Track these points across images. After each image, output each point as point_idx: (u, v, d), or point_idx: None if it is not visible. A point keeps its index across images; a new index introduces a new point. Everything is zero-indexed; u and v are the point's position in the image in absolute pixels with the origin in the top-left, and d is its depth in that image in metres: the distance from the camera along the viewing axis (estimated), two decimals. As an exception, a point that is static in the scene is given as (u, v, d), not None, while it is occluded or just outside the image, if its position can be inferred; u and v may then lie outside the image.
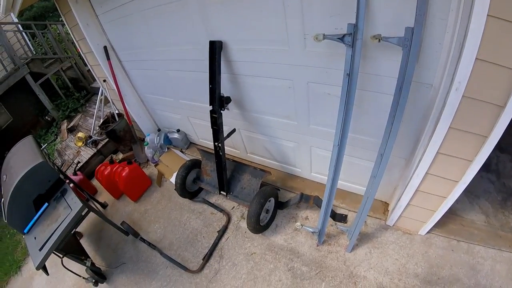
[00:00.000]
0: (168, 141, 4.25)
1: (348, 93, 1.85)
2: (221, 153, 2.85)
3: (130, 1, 2.75)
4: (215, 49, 2.42)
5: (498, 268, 2.45)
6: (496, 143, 1.75)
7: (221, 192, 3.06)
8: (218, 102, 2.60)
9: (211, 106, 2.64)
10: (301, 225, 2.69)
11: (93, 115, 5.42)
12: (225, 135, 2.86)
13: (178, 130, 4.10)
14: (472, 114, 1.68)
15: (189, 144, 4.29)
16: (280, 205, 2.97)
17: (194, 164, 3.32)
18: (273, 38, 2.15)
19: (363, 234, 2.73)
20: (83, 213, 2.68)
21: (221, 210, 3.17)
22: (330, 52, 1.97)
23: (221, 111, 2.67)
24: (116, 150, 4.92)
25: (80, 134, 5.53)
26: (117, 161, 4.38)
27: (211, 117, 2.70)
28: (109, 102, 4.51)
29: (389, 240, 2.71)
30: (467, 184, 2.04)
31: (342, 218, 2.85)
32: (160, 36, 2.86)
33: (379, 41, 1.65)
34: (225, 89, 2.75)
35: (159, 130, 4.30)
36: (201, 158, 3.33)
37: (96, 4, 3.13)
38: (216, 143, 2.82)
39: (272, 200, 2.83)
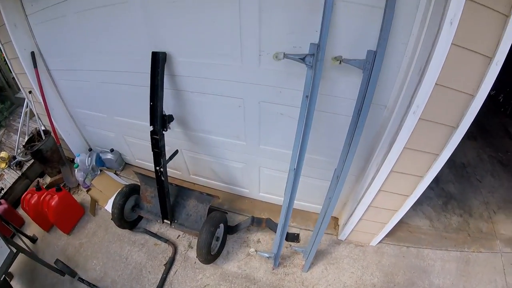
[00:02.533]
0: (100, 163, 3.61)
1: (306, 116, 1.65)
2: (163, 178, 2.41)
3: (61, 1, 2.21)
4: (159, 61, 2.03)
5: (448, 267, 2.52)
6: (446, 159, 1.73)
7: (165, 220, 2.62)
8: (160, 121, 2.20)
9: (151, 126, 2.23)
10: (255, 250, 2.43)
11: (18, 131, 4.46)
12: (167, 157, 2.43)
13: (112, 150, 3.51)
14: (426, 135, 1.65)
15: (124, 165, 3.71)
16: (230, 229, 2.67)
17: (132, 190, 2.82)
18: (225, 52, 1.86)
19: (317, 251, 2.55)
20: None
21: (166, 240, 2.73)
22: (286, 71, 1.77)
23: (163, 132, 2.25)
24: (43, 172, 4.11)
25: (3, 154, 4.48)
26: (45, 186, 3.64)
27: (152, 138, 2.28)
28: (35, 116, 3.72)
29: (343, 255, 2.60)
30: (417, 198, 2.02)
31: (294, 238, 2.65)
32: (96, 43, 2.35)
33: (340, 63, 1.52)
34: (167, 106, 2.38)
35: (90, 149, 3.62)
36: (140, 183, 2.83)
37: (27, 1, 2.47)
38: (157, 168, 2.38)
39: (222, 226, 2.50)
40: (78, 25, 2.30)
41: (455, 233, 2.71)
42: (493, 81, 1.37)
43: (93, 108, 3.12)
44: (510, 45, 1.27)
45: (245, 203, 2.94)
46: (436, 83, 1.39)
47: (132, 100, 2.59)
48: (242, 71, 1.88)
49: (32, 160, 3.99)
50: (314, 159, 2.19)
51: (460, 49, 1.31)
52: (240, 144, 2.38)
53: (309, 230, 2.72)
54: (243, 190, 2.91)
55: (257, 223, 2.57)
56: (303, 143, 1.72)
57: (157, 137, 2.24)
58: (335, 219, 2.76)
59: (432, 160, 1.76)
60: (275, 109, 2.00)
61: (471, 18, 1.23)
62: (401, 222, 2.63)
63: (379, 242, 2.59)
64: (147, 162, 3.39)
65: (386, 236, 2.51)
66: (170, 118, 2.30)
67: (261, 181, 2.67)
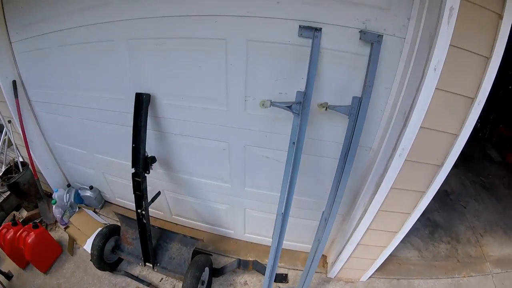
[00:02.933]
0: (79, 199, 3.41)
1: (294, 162, 1.60)
2: (145, 221, 2.27)
3: (51, 32, 2.10)
4: (142, 103, 1.95)
5: None
6: (433, 196, 1.71)
7: (147, 263, 2.45)
8: (143, 164, 2.09)
9: (133, 169, 2.11)
10: None
11: (-5, 158, 4.18)
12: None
13: (91, 187, 3.32)
14: (412, 175, 1.63)
15: (104, 203, 3.51)
16: (216, 272, 2.52)
17: (112, 231, 2.64)
18: (210, 97, 1.82)
19: (307, 291, 2.41)
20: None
21: (148, 283, 2.53)
22: (272, 116, 1.75)
23: (146, 175, 2.14)
24: (19, 205, 3.84)
25: None
26: (21, 220, 3.40)
27: (134, 181, 2.16)
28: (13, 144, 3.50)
29: (333, 293, 2.44)
30: (405, 233, 1.99)
31: (282, 278, 2.53)
32: (79, 79, 2.25)
33: (326, 109, 1.52)
34: (150, 147, 2.27)
35: (68, 185, 3.42)
36: (120, 224, 2.67)
37: (12, 28, 2.35)
38: (139, 210, 2.24)
39: (207, 270, 2.35)
40: (62, 59, 2.21)
41: (445, 261, 2.67)
42: (476, 119, 1.38)
43: (73, 144, 2.98)
44: (491, 84, 1.28)
45: (230, 244, 2.79)
46: (421, 126, 1.38)
47: (113, 138, 2.47)
48: (228, 116, 1.83)
49: (9, 192, 3.74)
50: (301, 200, 2.13)
51: (444, 93, 1.31)
52: (224, 186, 2.29)
53: (297, 269, 2.59)
54: (228, 231, 2.78)
55: (244, 265, 2.44)
56: (290, 188, 1.65)
57: (139, 179, 2.12)
58: (324, 257, 2.65)
59: (418, 197, 1.73)
60: (261, 152, 1.95)
61: (454, 63, 1.24)
62: (390, 255, 2.54)
63: (369, 277, 2.50)
64: (128, 201, 3.22)
65: (376, 270, 2.42)
66: (153, 160, 2.19)
67: (247, 222, 2.56)
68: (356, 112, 1.47)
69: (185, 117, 1.96)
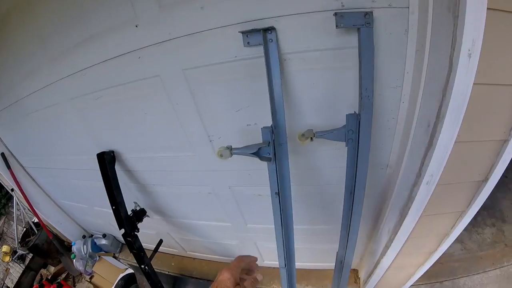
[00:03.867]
0: (97, 248, 3.23)
1: (282, 212, 1.20)
2: (151, 275, 2.02)
3: (13, 102, 1.85)
4: (105, 162, 1.64)
5: None
6: (475, 213, 1.28)
7: None
8: (128, 223, 1.81)
9: (122, 230, 1.83)
10: None
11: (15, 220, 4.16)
12: (153, 245, 2.07)
13: (105, 235, 3.12)
14: (447, 197, 1.19)
15: (121, 246, 3.31)
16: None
17: (128, 281, 2.45)
18: (172, 144, 1.46)
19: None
20: None
21: None
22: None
23: (136, 233, 1.87)
24: (45, 263, 3.79)
25: (5, 248, 4.16)
26: (50, 277, 3.39)
27: (126, 241, 1.89)
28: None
29: (373, 313, 2.11)
30: (444, 251, 1.57)
31: (315, 303, 2.19)
32: (51, 144, 2.01)
33: (312, 139, 1.06)
34: (138, 198, 2.00)
35: (84, 237, 3.26)
36: (135, 273, 2.46)
37: None
38: (142, 266, 1.99)
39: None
40: (30, 127, 1.98)
41: (491, 249, 2.23)
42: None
43: (74, 200, 2.78)
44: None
45: None
46: (456, 141, 0.91)
47: (100, 193, 2.21)
48: (198, 160, 1.46)
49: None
50: (314, 229, 1.76)
51: (486, 88, 0.84)
52: (226, 226, 1.94)
53: (327, 290, 2.28)
54: (246, 260, 2.48)
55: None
56: (288, 236, 1.29)
57: (130, 239, 1.85)
58: (355, 271, 2.30)
59: (457, 217, 1.32)
60: (250, 191, 1.57)
61: (496, 37, 0.75)
62: (429, 257, 2.21)
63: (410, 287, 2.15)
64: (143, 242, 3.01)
65: (416, 278, 2.05)
66: (141, 213, 1.91)
67: (262, 252, 2.22)
68: (355, 135, 1.02)
69: (156, 167, 1.62)
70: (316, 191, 1.48)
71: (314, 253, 2.07)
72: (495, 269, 2.14)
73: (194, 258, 2.64)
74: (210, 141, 1.33)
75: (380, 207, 1.55)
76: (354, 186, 1.07)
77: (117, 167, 1.70)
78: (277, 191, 1.12)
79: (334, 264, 1.52)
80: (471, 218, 1.31)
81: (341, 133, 1.03)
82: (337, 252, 1.44)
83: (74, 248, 3.12)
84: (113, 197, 1.69)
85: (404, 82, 1.02)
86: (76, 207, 2.91)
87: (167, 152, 1.50)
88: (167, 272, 2.54)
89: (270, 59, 0.97)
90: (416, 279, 1.93)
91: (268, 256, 2.29)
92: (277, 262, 2.31)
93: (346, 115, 1.02)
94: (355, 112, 1.02)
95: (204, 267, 2.55)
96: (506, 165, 1.05)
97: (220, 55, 1.07)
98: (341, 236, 1.32)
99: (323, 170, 1.35)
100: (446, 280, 2.16)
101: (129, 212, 1.85)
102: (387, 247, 1.53)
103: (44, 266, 3.80)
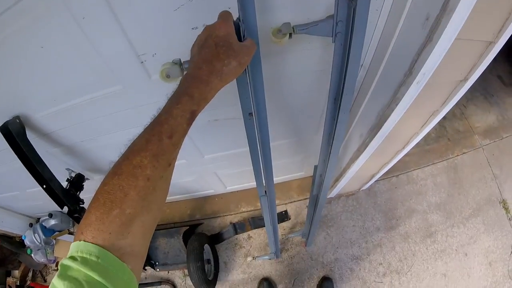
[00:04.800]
0: (49, 232, 2.74)
1: (260, 138, 0.94)
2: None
3: None
4: (13, 135, 1.14)
5: (440, 181, 2.33)
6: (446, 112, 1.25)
7: (146, 267, 2.11)
8: (68, 199, 1.45)
9: (65, 207, 1.47)
10: (253, 258, 2.07)
11: None
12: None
13: (51, 215, 2.63)
14: (426, 99, 1.10)
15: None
16: (215, 240, 2.21)
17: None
18: (88, 81, 1.03)
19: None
20: None
21: (159, 282, 2.22)
22: None
23: (82, 205, 1.53)
24: (7, 271, 3.25)
25: None
26: (17, 283, 2.90)
27: (74, 218, 1.60)
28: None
29: (338, 211, 2.29)
30: (411, 147, 1.58)
31: (283, 217, 2.27)
32: None
33: (291, 36, 0.77)
34: (69, 164, 1.60)
35: (30, 225, 2.74)
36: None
37: None
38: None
39: (207, 247, 2.03)
40: None
41: (436, 143, 2.44)
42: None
43: (2, 191, 2.27)
44: None
45: (216, 202, 2.38)
46: (456, 38, 0.76)
47: (24, 173, 1.72)
48: (130, 94, 1.08)
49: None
50: (284, 143, 1.63)
51: None
52: (180, 163, 1.70)
53: (294, 201, 2.30)
54: (208, 191, 2.33)
55: (241, 229, 2.14)
56: (266, 163, 1.10)
57: (78, 215, 1.53)
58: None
59: (429, 115, 1.28)
60: (204, 118, 1.29)
61: None
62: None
63: (370, 185, 2.28)
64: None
65: (374, 175, 2.18)
66: (79, 180, 1.57)
67: (223, 180, 2.10)
68: (345, 28, 0.74)
69: (77, 119, 1.20)
70: (294, 103, 1.28)
71: (279, 168, 2.00)
72: (442, 161, 2.39)
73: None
74: (142, 62, 0.94)
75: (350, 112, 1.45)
76: (342, 91, 0.87)
77: (30, 136, 1.23)
78: (252, 111, 0.86)
79: (312, 177, 1.43)
80: (442, 116, 1.28)
81: (328, 25, 0.75)
82: (315, 166, 1.34)
83: (26, 242, 2.62)
84: (38, 175, 1.27)
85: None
86: (8, 198, 2.37)
87: (85, 94, 1.07)
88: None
89: None
90: (379, 177, 2.03)
91: (230, 182, 2.20)
92: (241, 186, 2.28)
93: (336, 1, 0.74)
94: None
95: (166, 211, 2.41)
96: (486, 67, 0.97)
97: None
98: (322, 149, 1.19)
99: (299, 75, 1.12)
100: (401, 174, 2.35)
101: (65, 185, 1.49)
102: (359, 151, 1.50)
103: (8, 274, 3.25)
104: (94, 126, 1.28)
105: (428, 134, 2.44)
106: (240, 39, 0.62)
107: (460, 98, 1.15)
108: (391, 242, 2.16)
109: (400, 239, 2.16)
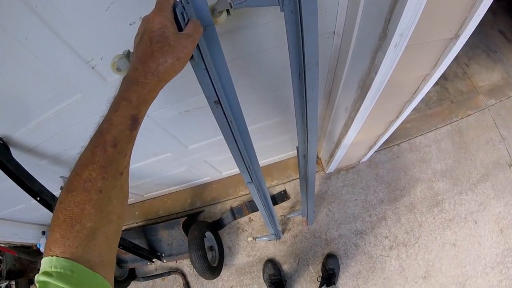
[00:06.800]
0: None
1: (235, 124, 0.86)
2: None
3: None
4: None
5: (444, 146, 2.16)
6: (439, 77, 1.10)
7: (153, 260, 2.11)
8: None
9: None
10: (253, 238, 2.04)
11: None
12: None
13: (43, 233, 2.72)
14: (413, 60, 0.96)
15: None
16: (217, 227, 2.17)
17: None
18: (49, 96, 0.98)
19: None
20: None
21: (169, 272, 2.23)
22: None
23: None
24: (30, 280, 3.36)
25: None
26: None
27: None
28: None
29: (338, 186, 2.18)
30: (405, 117, 1.43)
31: (283, 197, 2.18)
32: None
33: (229, 13, 0.62)
34: (60, 172, 1.53)
35: (43, 233, 2.84)
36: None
37: None
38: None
39: (209, 234, 1.99)
40: None
41: (439, 106, 2.25)
42: None
43: (10, 206, 2.24)
44: None
45: (214, 188, 2.31)
46: None
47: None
48: (93, 99, 1.00)
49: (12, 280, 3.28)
50: (267, 125, 1.52)
51: None
52: (167, 157, 1.62)
53: (292, 179, 2.20)
54: (204, 179, 2.26)
55: (238, 213, 2.08)
56: (248, 149, 1.00)
57: None
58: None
59: (421, 80, 1.12)
60: (172, 111, 1.20)
61: None
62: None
63: (370, 156, 2.13)
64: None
65: (374, 147, 2.05)
66: None
67: (216, 166, 2.02)
68: None
69: (54, 130, 1.16)
70: (265, 83, 1.16)
71: (271, 148, 1.92)
72: (446, 125, 2.20)
73: (154, 198, 2.41)
74: (93, 67, 0.87)
75: (330, 84, 1.33)
76: (304, 65, 0.73)
77: (15, 153, 1.21)
78: (216, 99, 0.75)
79: (297, 159, 1.32)
80: (436, 80, 1.12)
81: (271, -5, 0.62)
82: (296, 147, 1.23)
83: (41, 249, 2.72)
84: (29, 189, 1.25)
85: None
86: (17, 211, 2.39)
87: (52, 108, 1.03)
88: (136, 224, 2.35)
89: None
90: (377, 148, 1.90)
91: (224, 167, 2.11)
92: (236, 170, 2.16)
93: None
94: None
95: (167, 202, 2.37)
96: (479, 21, 0.80)
97: None
98: (298, 129, 1.07)
99: (266, 53, 0.99)
100: (402, 142, 2.20)
101: (59, 193, 1.43)
102: (347, 126, 1.38)
103: (31, 282, 3.40)
104: (72, 134, 1.23)
105: (429, 97, 2.30)
106: (181, 28, 0.53)
107: (458, 57, 0.99)
108: (396, 214, 2.05)
109: (406, 210, 2.05)
